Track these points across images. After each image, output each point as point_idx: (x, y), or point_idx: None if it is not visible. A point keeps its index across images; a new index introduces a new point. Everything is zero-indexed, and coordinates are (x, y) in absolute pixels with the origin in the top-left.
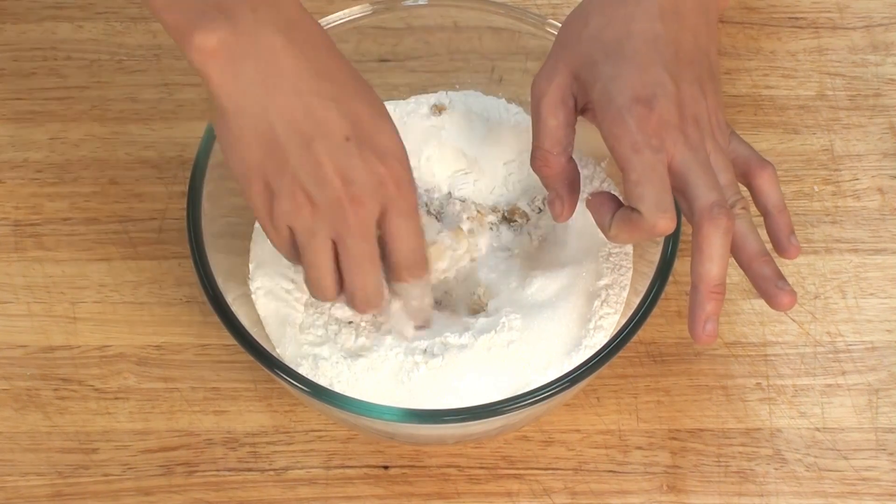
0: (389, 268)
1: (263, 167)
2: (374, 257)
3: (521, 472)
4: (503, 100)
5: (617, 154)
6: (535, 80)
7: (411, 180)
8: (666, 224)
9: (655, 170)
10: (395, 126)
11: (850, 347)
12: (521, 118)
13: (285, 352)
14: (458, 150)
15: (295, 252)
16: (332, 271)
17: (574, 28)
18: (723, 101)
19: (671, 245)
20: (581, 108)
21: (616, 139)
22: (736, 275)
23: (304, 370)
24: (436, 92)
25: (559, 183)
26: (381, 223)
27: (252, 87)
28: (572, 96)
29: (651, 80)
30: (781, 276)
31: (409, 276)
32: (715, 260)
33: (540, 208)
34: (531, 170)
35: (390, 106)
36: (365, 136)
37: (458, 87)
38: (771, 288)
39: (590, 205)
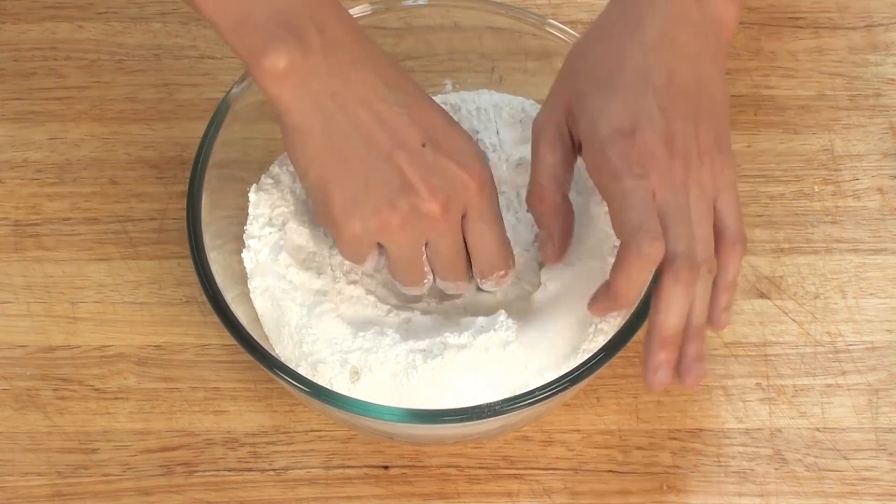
0: (474, 267)
1: (343, 182)
2: (463, 254)
3: (521, 472)
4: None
5: (599, 186)
6: (535, 117)
7: (492, 180)
8: (650, 246)
9: (637, 194)
10: (467, 132)
11: (850, 347)
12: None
13: (284, 352)
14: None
15: (369, 258)
16: (425, 271)
17: (571, 62)
18: (727, 141)
19: None
20: (577, 144)
21: (598, 170)
22: None
23: (303, 370)
24: (447, 93)
25: (552, 221)
26: (464, 224)
27: (325, 104)
28: (569, 133)
29: (636, 110)
30: (700, 358)
31: (492, 275)
32: (671, 312)
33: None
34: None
35: None
36: (440, 141)
37: (458, 87)
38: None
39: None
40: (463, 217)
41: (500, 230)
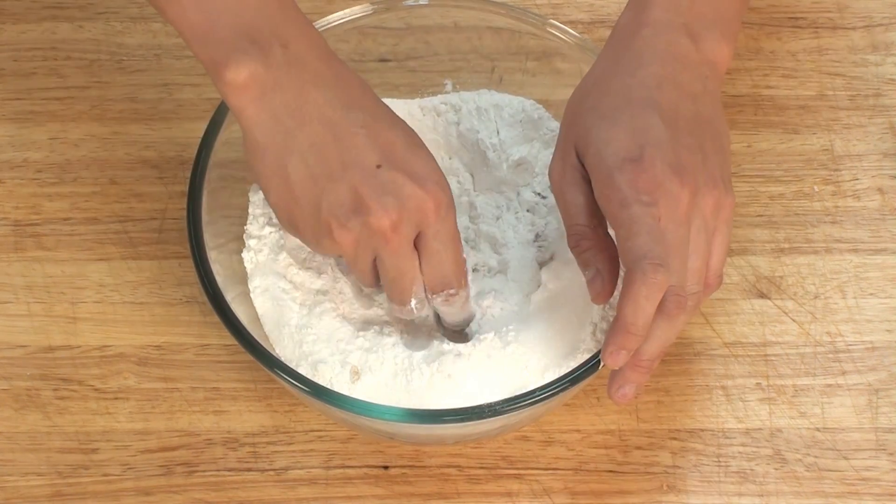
0: (425, 281)
1: (299, 202)
2: (409, 274)
3: (521, 472)
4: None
5: (607, 213)
6: (549, 167)
7: (450, 201)
8: (655, 273)
9: (644, 221)
10: (430, 152)
11: (850, 347)
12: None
13: (284, 351)
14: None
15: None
16: (376, 281)
17: (574, 105)
18: (729, 177)
19: None
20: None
21: (606, 198)
22: (736, 275)
23: (303, 370)
24: (447, 93)
25: (599, 258)
26: (417, 244)
27: (283, 120)
28: (585, 170)
29: (643, 141)
30: (633, 383)
31: (442, 292)
32: (653, 340)
33: (543, 195)
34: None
35: (398, 104)
36: (398, 161)
37: (458, 87)
38: (618, 378)
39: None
40: (417, 236)
41: (456, 250)
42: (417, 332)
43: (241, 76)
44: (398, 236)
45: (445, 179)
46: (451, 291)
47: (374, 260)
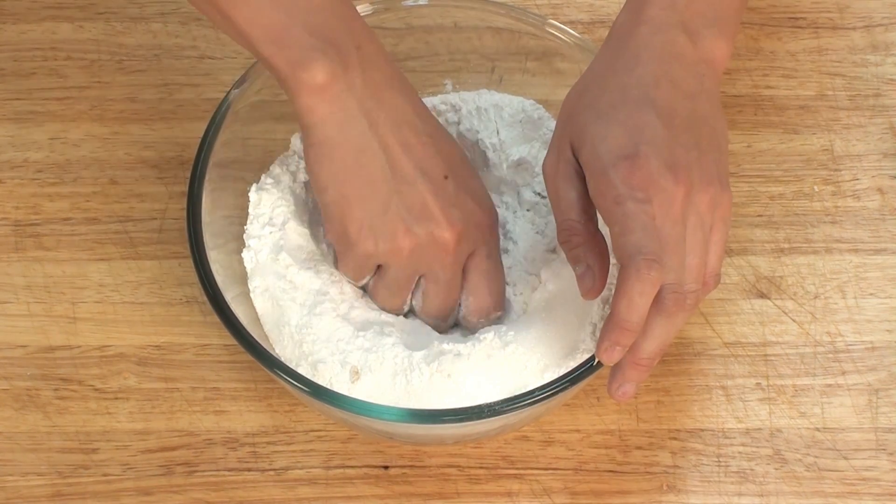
0: (469, 304)
1: (364, 202)
2: (456, 291)
3: (521, 472)
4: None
5: (601, 209)
6: (544, 162)
7: (497, 225)
8: (649, 269)
9: (638, 218)
10: (475, 169)
11: (850, 347)
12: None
13: (284, 351)
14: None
15: (367, 276)
16: (405, 300)
17: (571, 102)
18: (727, 175)
19: None
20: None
21: (601, 194)
22: (736, 275)
23: (303, 370)
24: (448, 93)
25: (590, 253)
26: (469, 262)
27: (356, 122)
28: (580, 165)
29: (639, 139)
30: (633, 381)
31: (485, 317)
32: (652, 338)
33: (543, 195)
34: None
35: None
36: (460, 177)
37: (458, 87)
38: (618, 376)
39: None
40: (469, 256)
41: (502, 273)
42: (417, 332)
43: (319, 77)
44: (458, 250)
45: (491, 199)
46: (495, 315)
47: (417, 276)
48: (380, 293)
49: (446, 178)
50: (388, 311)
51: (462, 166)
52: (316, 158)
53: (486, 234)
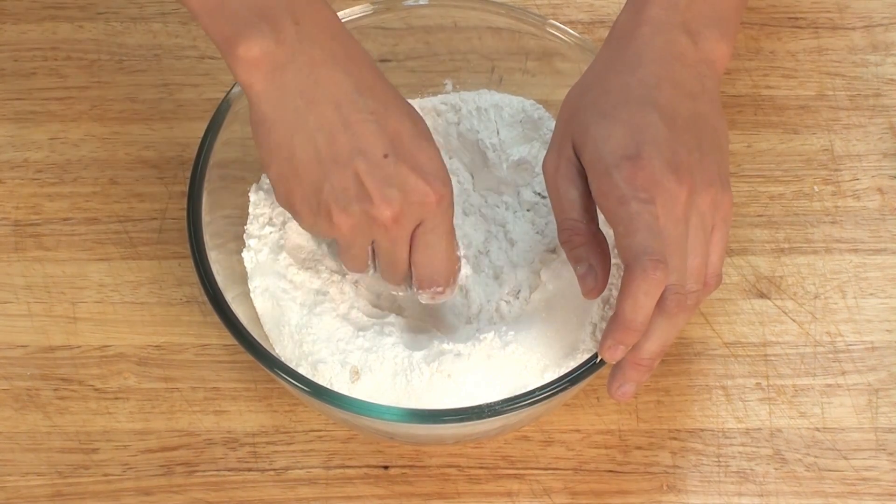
0: (413, 277)
1: (301, 180)
2: (404, 263)
3: (521, 472)
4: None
5: (604, 210)
6: (544, 161)
7: (451, 196)
8: (655, 269)
9: (642, 218)
10: (436, 146)
11: (850, 347)
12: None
13: (284, 351)
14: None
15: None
16: (367, 264)
17: (572, 101)
18: (728, 175)
19: None
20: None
21: (604, 195)
22: (736, 275)
23: (303, 370)
24: (448, 93)
25: (592, 253)
26: (413, 234)
27: (293, 98)
28: (581, 164)
29: (641, 139)
30: (633, 382)
31: (429, 289)
32: (653, 338)
33: (543, 195)
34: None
35: None
36: (405, 154)
37: (458, 87)
38: (618, 376)
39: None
40: (414, 231)
41: (450, 247)
42: (417, 331)
43: (253, 52)
44: (398, 227)
45: (448, 174)
46: (438, 289)
47: (368, 246)
48: (341, 257)
49: (385, 156)
50: (354, 272)
51: (412, 142)
52: (256, 135)
53: (430, 209)
